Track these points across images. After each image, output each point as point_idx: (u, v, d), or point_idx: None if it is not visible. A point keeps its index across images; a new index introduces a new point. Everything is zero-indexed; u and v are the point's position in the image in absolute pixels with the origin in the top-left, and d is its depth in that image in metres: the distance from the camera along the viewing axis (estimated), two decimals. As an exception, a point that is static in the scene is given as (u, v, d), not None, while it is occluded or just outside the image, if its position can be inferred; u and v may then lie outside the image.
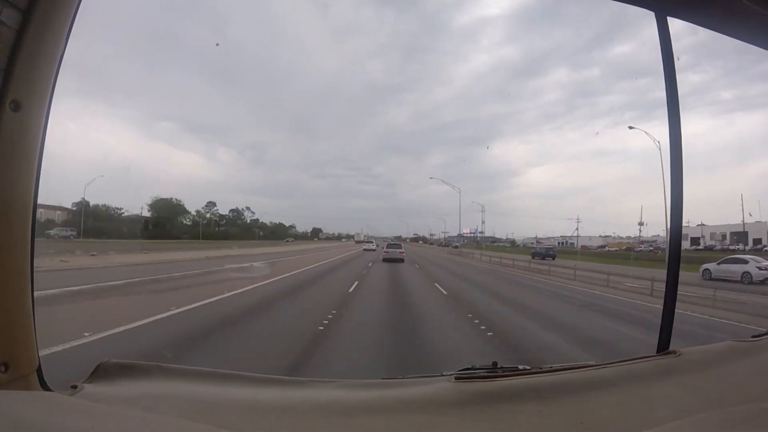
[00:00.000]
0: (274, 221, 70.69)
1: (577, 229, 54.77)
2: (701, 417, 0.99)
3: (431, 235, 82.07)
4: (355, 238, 74.12)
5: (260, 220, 68.65)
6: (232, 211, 64.67)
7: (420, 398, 1.04)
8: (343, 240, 75.73)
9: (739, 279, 17.41)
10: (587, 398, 1.09)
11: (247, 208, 65.84)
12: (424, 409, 1.00)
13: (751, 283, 16.78)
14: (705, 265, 19.10)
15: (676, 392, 1.15)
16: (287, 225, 72.71)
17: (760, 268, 17.79)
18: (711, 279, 17.45)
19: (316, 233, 76.43)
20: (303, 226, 74.70)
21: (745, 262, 18.64)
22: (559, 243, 58.87)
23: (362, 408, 0.99)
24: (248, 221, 65.77)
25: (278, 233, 65.92)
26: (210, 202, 61.68)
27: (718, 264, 18.82)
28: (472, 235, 67.42)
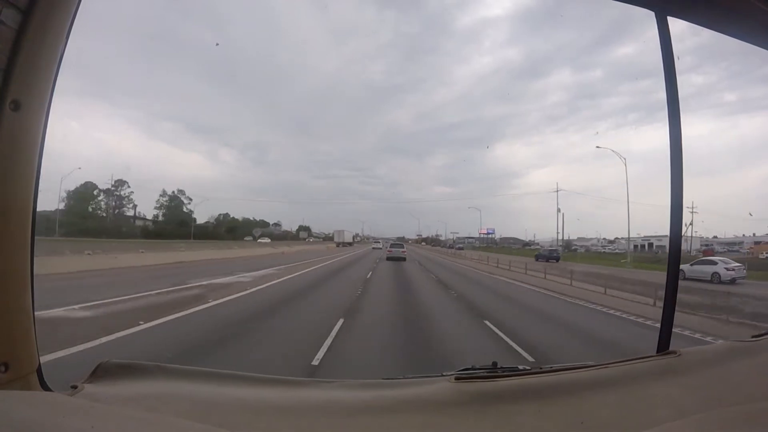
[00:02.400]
0: (246, 216, 55.61)
1: (691, 223, 34.95)
2: (701, 417, 0.99)
3: (436, 235, 78.53)
4: (335, 239, 56.44)
5: (231, 215, 51.89)
6: (165, 196, 45.58)
7: (420, 398, 1.04)
8: (260, 240, 48.23)
9: (710, 279, 18.98)
10: (587, 398, 1.09)
11: (181, 191, 46.93)
12: (424, 409, 1.00)
13: (720, 282, 18.53)
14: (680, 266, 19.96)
15: (676, 392, 1.15)
16: (271, 222, 58.04)
17: (727, 269, 19.75)
18: (685, 279, 18.38)
19: (299, 233, 61.94)
20: (299, 225, 64.15)
21: (715, 263, 20.64)
22: (637, 247, 44.24)
23: (362, 408, 1.00)
24: (189, 212, 47.25)
25: (240, 231, 49.39)
26: (119, 180, 42.59)
27: (691, 265, 20.26)
28: (489, 235, 61.56)
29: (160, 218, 46.95)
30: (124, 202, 44.91)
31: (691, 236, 36.87)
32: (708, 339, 7.69)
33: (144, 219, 45.99)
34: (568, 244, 47.01)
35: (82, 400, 0.87)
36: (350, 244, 58.52)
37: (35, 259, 0.89)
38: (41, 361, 0.93)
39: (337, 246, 52.96)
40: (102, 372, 1.00)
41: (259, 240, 47.53)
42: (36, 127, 0.87)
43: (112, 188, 43.09)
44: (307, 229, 65.07)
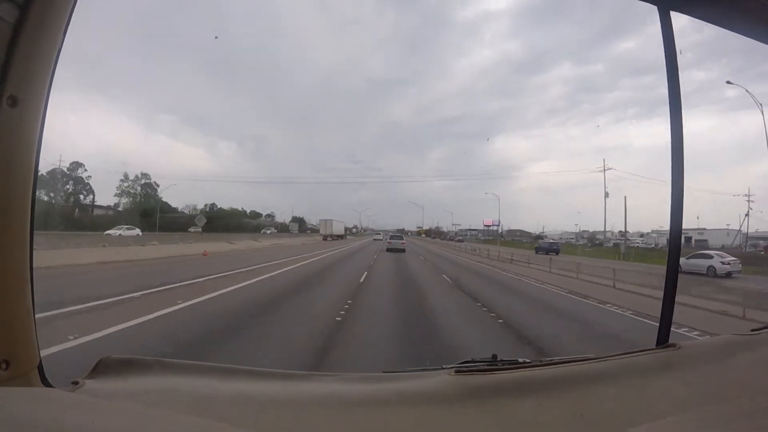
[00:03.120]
0: (236, 206, 49.01)
1: (747, 214, 31.01)
2: (701, 410, 1.00)
3: (437, 227, 76.88)
4: (321, 230, 46.12)
5: (218, 205, 43.56)
6: (127, 181, 38.33)
7: (419, 392, 1.04)
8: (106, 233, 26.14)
9: (705, 272, 19.27)
10: (587, 391, 1.09)
11: (145, 175, 39.57)
12: (424, 402, 1.01)
13: (716, 276, 18.82)
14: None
15: (676, 386, 1.15)
16: (264, 213, 51.40)
17: (723, 263, 20.15)
18: (681, 272, 18.48)
19: (289, 225, 54.48)
20: (292, 217, 57.63)
21: (710, 257, 20.99)
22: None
23: (362, 401, 1.00)
24: (157, 199, 39.77)
25: (219, 222, 40.08)
26: (74, 162, 35.35)
27: (687, 259, 20.29)
28: (495, 227, 59.19)
29: (121, 206, 39.97)
30: (79, 188, 37.68)
31: (747, 231, 31.39)
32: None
33: (107, 208, 39.19)
34: (591, 238, 42.18)
35: (84, 396, 0.87)
36: (342, 237, 48.63)
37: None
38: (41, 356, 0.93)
39: (325, 239, 42.27)
40: (103, 368, 1.00)
41: (105, 233, 28.42)
42: (33, 123, 0.86)
43: (68, 171, 36.05)
44: (299, 220, 57.77)
